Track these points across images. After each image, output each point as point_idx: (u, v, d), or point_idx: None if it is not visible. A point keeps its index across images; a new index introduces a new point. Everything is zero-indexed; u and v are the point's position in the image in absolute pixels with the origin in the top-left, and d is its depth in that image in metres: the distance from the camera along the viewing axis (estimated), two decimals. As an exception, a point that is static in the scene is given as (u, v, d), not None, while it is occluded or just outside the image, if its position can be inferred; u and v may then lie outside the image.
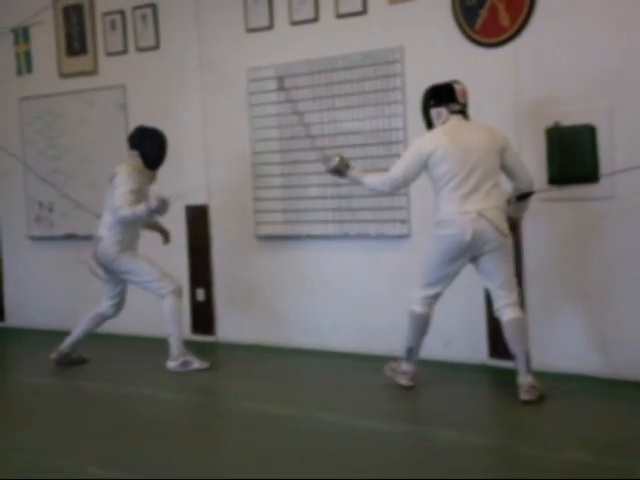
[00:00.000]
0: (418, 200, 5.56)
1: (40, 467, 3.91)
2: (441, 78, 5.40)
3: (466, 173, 4.52)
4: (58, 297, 7.29)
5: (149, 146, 5.65)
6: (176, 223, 6.58)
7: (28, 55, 7.31)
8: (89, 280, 7.07)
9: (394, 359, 5.08)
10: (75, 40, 7.03)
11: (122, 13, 6.74)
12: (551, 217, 5.12)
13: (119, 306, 5.83)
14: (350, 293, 5.92)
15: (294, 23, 5.97)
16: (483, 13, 5.24)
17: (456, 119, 4.63)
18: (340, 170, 4.86)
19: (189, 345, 5.87)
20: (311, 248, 6.04)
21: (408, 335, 4.82)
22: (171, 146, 6.59)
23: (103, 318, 5.86)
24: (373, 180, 4.78)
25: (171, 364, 5.62)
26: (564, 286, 5.12)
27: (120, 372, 5.76)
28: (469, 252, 4.57)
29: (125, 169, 5.56)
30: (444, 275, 4.67)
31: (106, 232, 5.61)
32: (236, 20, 6.21)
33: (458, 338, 5.52)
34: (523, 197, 4.72)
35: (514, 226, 4.76)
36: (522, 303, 4.83)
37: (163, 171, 6.47)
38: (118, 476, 3.75)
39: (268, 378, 5.44)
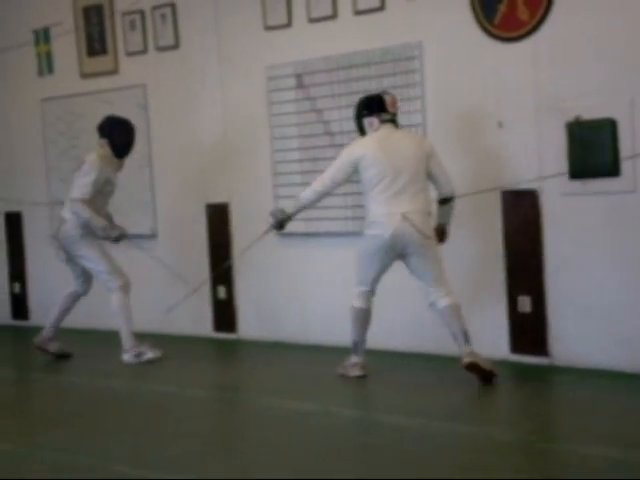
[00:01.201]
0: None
1: (69, 465, 3.93)
2: (460, 73, 5.42)
3: (393, 177, 4.86)
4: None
5: (117, 135, 5.86)
6: (197, 221, 6.63)
7: (49, 56, 7.36)
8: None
9: (417, 354, 5.08)
10: (95, 40, 7.07)
11: (142, 13, 6.78)
12: (572, 211, 5.09)
13: (88, 282, 6.06)
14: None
15: (312, 20, 5.97)
16: (502, 7, 5.21)
17: (386, 127, 4.98)
18: (284, 219, 5.19)
19: (210, 343, 5.91)
20: (331, 245, 6.04)
21: (352, 329, 5.10)
22: (191, 144, 6.64)
23: (77, 296, 6.12)
24: (307, 194, 5.11)
25: (125, 356, 5.84)
26: (585, 280, 5.08)
27: (142, 370, 5.79)
28: (393, 251, 4.90)
29: (94, 158, 5.81)
30: (373, 272, 4.98)
31: (69, 215, 5.84)
32: (255, 18, 6.22)
33: (479, 334, 5.49)
34: (445, 202, 5.02)
35: (443, 232, 5.10)
36: (543, 295, 4.84)
37: (184, 169, 6.53)
38: (146, 475, 3.76)
39: (289, 375, 5.46)
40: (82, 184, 5.75)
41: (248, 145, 6.38)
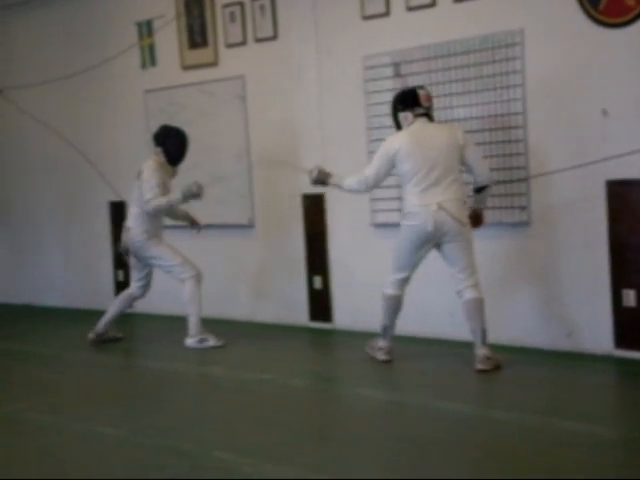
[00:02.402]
0: (539, 186, 5.43)
1: (170, 450, 4.04)
2: (563, 60, 5.28)
3: (427, 169, 5.02)
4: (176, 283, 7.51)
5: (171, 144, 6.24)
6: (293, 211, 6.68)
7: (152, 48, 7.53)
8: (212, 266, 7.28)
9: (519, 349, 5.00)
10: (196, 33, 7.19)
11: (241, 4, 6.85)
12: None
13: (146, 287, 6.43)
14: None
15: (410, 9, 5.91)
16: (607, -8, 5.04)
17: (420, 121, 5.14)
18: (322, 180, 5.42)
19: (306, 332, 5.95)
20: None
21: (383, 315, 5.30)
22: (289, 135, 6.68)
23: (133, 298, 6.47)
24: (351, 182, 5.31)
25: (189, 341, 6.17)
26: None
27: (239, 357, 5.89)
28: (432, 240, 5.06)
29: (151, 165, 6.16)
30: (411, 261, 5.16)
31: (133, 222, 6.24)
32: (352, 7, 6.21)
33: (582, 328, 5.36)
34: (482, 189, 5.14)
35: (478, 216, 5.23)
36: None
37: (281, 158, 6.56)
38: (246, 461, 3.82)
39: (385, 366, 5.45)
40: (149, 187, 6.08)
41: (344, 135, 6.38)
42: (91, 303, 7.89)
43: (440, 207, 4.98)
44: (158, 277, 6.50)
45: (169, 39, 7.32)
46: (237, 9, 6.88)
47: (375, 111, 6.14)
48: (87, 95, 7.98)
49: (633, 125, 5.05)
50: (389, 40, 6.01)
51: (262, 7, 6.73)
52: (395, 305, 5.28)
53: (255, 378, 5.32)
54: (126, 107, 7.73)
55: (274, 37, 6.70)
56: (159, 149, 6.26)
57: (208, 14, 7.06)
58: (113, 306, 6.49)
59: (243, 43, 6.89)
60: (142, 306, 7.57)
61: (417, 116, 5.14)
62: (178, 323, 6.49)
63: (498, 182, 5.55)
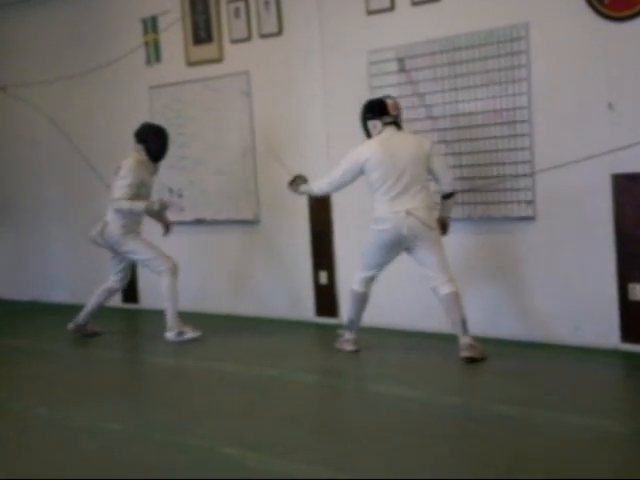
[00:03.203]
0: (544, 179, 5.42)
1: (178, 446, 4.05)
2: (568, 54, 5.27)
3: (395, 178, 5.21)
4: (189, 279, 7.53)
5: (152, 141, 6.35)
6: (299, 208, 6.66)
7: (157, 44, 7.53)
8: (219, 263, 7.29)
9: (525, 343, 4.97)
10: (201, 28, 7.19)
11: (246, 0, 6.85)
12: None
13: (124, 280, 6.62)
14: (475, 277, 5.83)
15: (415, 3, 5.90)
16: (613, -15, 5.02)
17: (389, 130, 5.32)
18: (294, 189, 5.68)
19: (312, 327, 5.95)
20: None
21: (350, 309, 5.60)
22: (294, 130, 6.68)
23: (111, 292, 6.64)
24: (318, 185, 5.54)
25: (168, 334, 6.30)
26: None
27: (245, 353, 5.91)
28: (401, 244, 5.29)
29: (130, 162, 6.28)
30: (378, 262, 5.41)
31: (111, 217, 6.36)
32: (357, 2, 6.20)
33: (588, 322, 5.36)
34: (447, 197, 5.37)
35: (444, 224, 5.43)
36: None
37: (286, 155, 6.56)
38: (252, 457, 3.82)
39: (393, 361, 5.46)
40: (120, 186, 6.22)
41: (349, 130, 6.35)
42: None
43: (409, 214, 5.18)
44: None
45: (174, 35, 7.32)
46: (242, 5, 6.88)
47: (380, 106, 6.13)
48: (92, 91, 7.98)
49: (639, 119, 5.04)
50: (394, 35, 6.01)
51: (267, 3, 6.73)
52: (361, 301, 5.53)
53: (262, 373, 5.33)
54: (131, 103, 7.73)
55: (279, 32, 6.70)
56: (140, 146, 6.37)
57: (213, 10, 7.06)
58: (92, 299, 6.64)
59: (248, 39, 6.88)
60: (148, 301, 7.60)
61: (385, 124, 5.32)
62: (189, 319, 6.50)
63: (504, 176, 5.56)
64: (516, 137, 5.52)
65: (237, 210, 7.09)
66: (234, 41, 6.98)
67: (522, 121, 5.48)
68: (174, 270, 6.36)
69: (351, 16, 6.25)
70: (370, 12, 6.15)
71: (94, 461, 3.90)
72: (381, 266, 5.45)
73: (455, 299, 5.22)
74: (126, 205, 6.22)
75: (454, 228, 5.58)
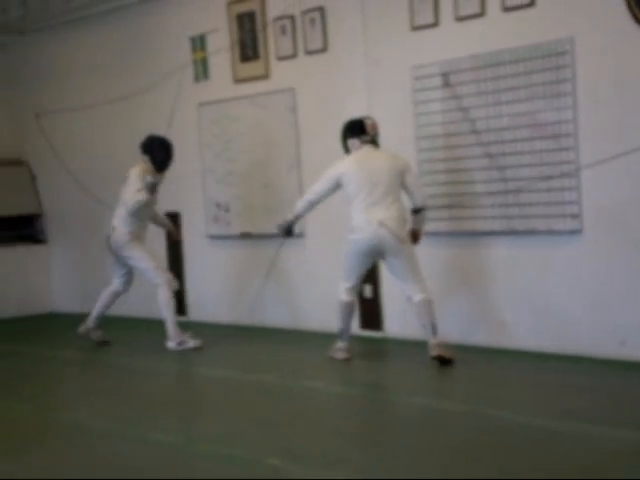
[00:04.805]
0: (591, 194, 5.40)
1: (225, 457, 4.10)
2: (614, 67, 5.26)
3: (369, 190, 5.61)
4: (235, 293, 7.64)
5: (157, 152, 6.73)
6: (344, 220, 6.71)
7: (205, 62, 7.67)
8: (265, 276, 7.38)
9: (568, 357, 4.95)
10: (248, 46, 7.31)
11: (292, 18, 6.95)
12: None
13: (128, 283, 6.94)
14: (519, 290, 5.83)
15: (459, 19, 5.94)
16: (658, -2, 5.00)
17: (366, 148, 5.75)
18: (285, 227, 6.04)
19: (357, 340, 5.99)
20: (477, 244, 6.00)
21: (339, 319, 5.86)
22: (339, 145, 6.74)
23: (116, 294, 6.96)
24: (300, 204, 5.98)
25: (169, 344, 6.61)
26: None
27: (289, 365, 5.97)
28: (374, 253, 5.66)
29: (137, 170, 6.63)
30: (357, 271, 5.75)
31: (118, 223, 6.74)
32: (402, 19, 6.25)
33: (636, 336, 5.31)
34: (418, 211, 5.72)
35: (416, 235, 5.78)
36: None
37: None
38: (297, 468, 3.86)
39: (435, 374, 5.48)
40: (131, 191, 6.58)
41: (393, 145, 6.40)
42: (148, 312, 8.01)
43: (381, 224, 5.55)
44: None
45: (221, 52, 7.45)
46: (288, 22, 6.98)
47: (424, 121, 6.18)
48: (141, 110, 8.14)
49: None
50: (438, 50, 6.05)
51: (312, 20, 6.82)
52: (349, 310, 5.83)
53: (306, 385, 5.38)
54: (180, 120, 7.87)
55: (324, 49, 6.78)
56: (146, 157, 6.72)
57: (259, 28, 7.18)
58: (99, 302, 6.96)
59: (294, 56, 6.98)
60: (194, 313, 7.72)
61: (364, 143, 5.72)
62: (236, 331, 6.59)
63: (549, 190, 5.55)
64: (562, 151, 5.52)
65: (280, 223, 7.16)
66: (280, 58, 7.09)
67: (567, 135, 5.48)
68: (170, 283, 6.70)
69: (395, 32, 6.31)
70: (414, 28, 6.20)
71: (146, 471, 3.98)
72: (361, 275, 5.79)
73: (427, 305, 5.59)
74: (139, 197, 6.53)
75: (496, 241, 5.58)
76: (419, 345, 6.02)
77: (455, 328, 6.08)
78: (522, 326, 5.82)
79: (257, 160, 7.30)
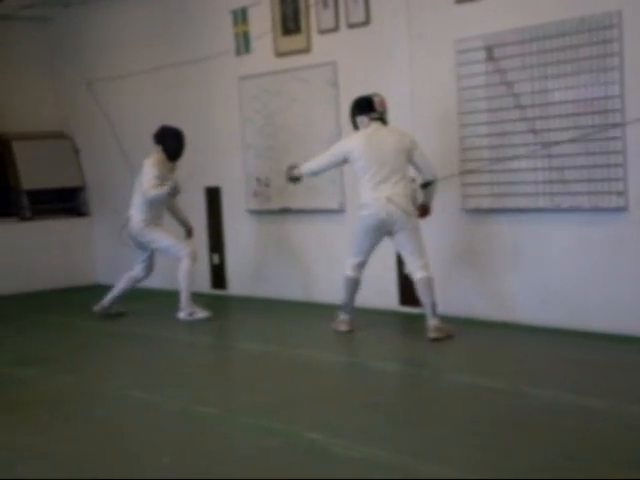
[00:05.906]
0: (637, 171, 5.31)
1: (263, 430, 4.14)
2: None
3: (377, 167, 5.70)
4: (274, 267, 7.67)
5: (169, 142, 6.93)
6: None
7: (246, 35, 7.64)
8: (305, 251, 7.38)
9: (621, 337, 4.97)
10: (289, 19, 7.27)
11: (333, -9, 6.89)
12: None
13: (149, 269, 7.16)
14: (561, 268, 5.76)
15: (504, -9, 5.84)
16: None
17: (375, 125, 5.80)
18: (296, 178, 6.21)
19: (396, 316, 5.98)
20: (520, 221, 5.93)
21: (344, 293, 6.00)
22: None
23: (136, 280, 7.18)
24: (307, 165, 6.09)
25: (181, 314, 6.88)
26: None
27: (330, 341, 5.98)
28: (383, 229, 5.75)
29: (150, 160, 6.87)
30: (365, 247, 5.87)
31: (134, 210, 6.97)
32: (445, -9, 6.17)
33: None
34: (427, 185, 5.83)
35: (426, 208, 5.91)
36: None
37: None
38: (336, 442, 3.87)
39: (477, 351, 5.46)
40: (147, 179, 6.79)
41: (436, 120, 6.36)
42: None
43: (389, 200, 5.65)
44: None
45: (263, 26, 7.42)
46: (330, -5, 6.92)
47: (467, 95, 6.11)
48: (184, 83, 8.18)
49: None
50: (482, 23, 5.96)
51: (354, -7, 6.75)
52: (354, 285, 5.96)
53: (346, 361, 5.40)
54: (221, 94, 7.89)
55: (366, 22, 6.72)
56: (159, 147, 6.93)
57: (301, 1, 7.13)
58: (118, 285, 7.18)
59: (335, 29, 6.93)
60: (235, 287, 7.76)
61: (372, 120, 5.77)
62: (273, 305, 6.62)
63: (594, 167, 5.47)
64: (608, 127, 5.42)
65: (322, 199, 7.17)
66: (322, 31, 7.04)
67: (614, 110, 5.37)
68: (193, 255, 6.91)
69: (439, 5, 6.23)
70: (458, 1, 6.11)
71: (186, 444, 4.03)
72: (368, 251, 5.88)
73: (428, 283, 5.67)
74: (155, 192, 6.74)
75: (543, 219, 5.51)
76: (462, 323, 6.01)
77: (515, 305, 6.04)
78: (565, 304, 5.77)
79: (297, 135, 7.27)
